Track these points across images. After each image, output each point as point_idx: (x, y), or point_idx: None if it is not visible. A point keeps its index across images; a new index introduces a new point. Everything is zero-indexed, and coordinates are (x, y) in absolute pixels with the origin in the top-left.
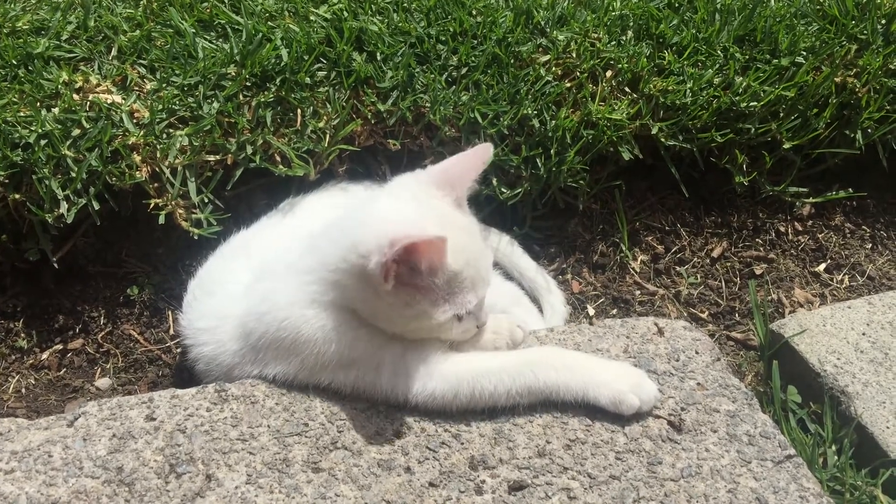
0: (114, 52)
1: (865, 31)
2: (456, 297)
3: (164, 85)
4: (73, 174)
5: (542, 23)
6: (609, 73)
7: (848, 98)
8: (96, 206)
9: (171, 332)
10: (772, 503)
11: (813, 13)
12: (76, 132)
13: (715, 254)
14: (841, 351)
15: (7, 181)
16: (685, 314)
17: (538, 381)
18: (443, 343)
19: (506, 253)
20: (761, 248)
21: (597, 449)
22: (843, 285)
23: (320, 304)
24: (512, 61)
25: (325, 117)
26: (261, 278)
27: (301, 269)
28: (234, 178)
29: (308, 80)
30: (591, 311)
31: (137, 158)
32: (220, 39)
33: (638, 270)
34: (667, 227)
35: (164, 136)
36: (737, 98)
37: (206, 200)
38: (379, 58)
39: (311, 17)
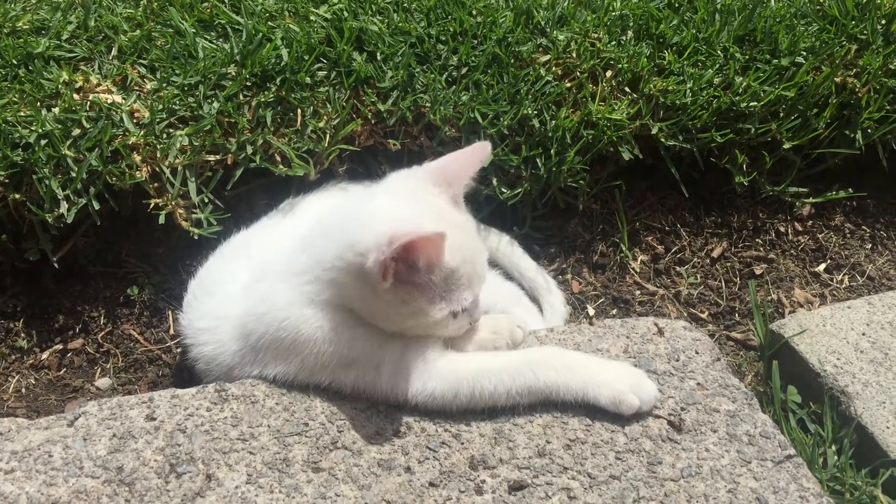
0: (114, 51)
1: (865, 32)
2: (452, 294)
3: (164, 85)
4: (74, 174)
5: (543, 23)
6: (609, 73)
7: (848, 98)
8: (96, 205)
9: (171, 331)
10: (772, 503)
11: (813, 13)
12: (76, 132)
13: (715, 254)
14: (841, 351)
15: (7, 181)
16: (685, 314)
17: (538, 380)
18: (442, 342)
19: (506, 253)
20: (761, 248)
21: (597, 449)
22: (843, 285)
23: (318, 303)
24: (512, 61)
25: (325, 117)
26: (260, 278)
27: (298, 268)
28: (235, 178)
29: (308, 79)
30: (591, 311)
31: (137, 158)
32: (221, 39)
33: (638, 270)
34: (667, 227)
35: (165, 135)
36: (737, 98)
37: (206, 200)
38: (379, 58)
39: (312, 17)
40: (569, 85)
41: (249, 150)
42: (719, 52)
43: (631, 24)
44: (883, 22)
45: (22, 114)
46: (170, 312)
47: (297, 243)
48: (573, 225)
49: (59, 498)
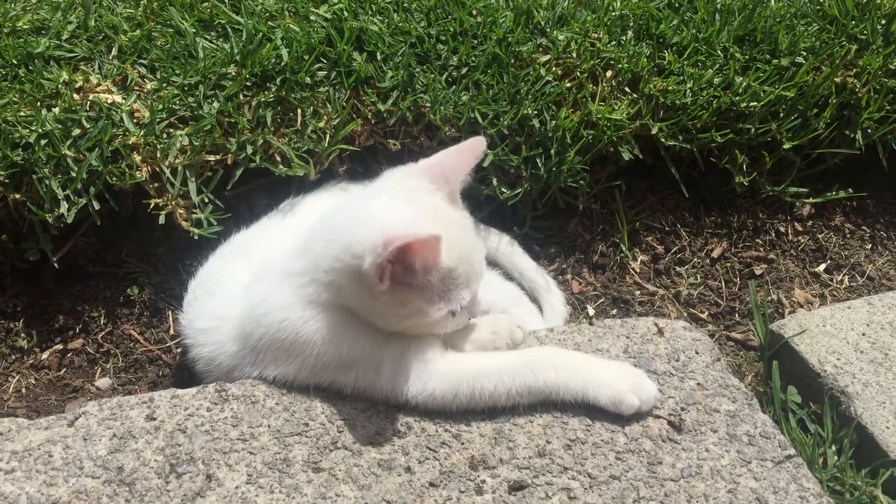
0: (114, 51)
1: (865, 32)
2: (450, 293)
3: (164, 85)
4: (74, 174)
5: (543, 23)
6: (609, 73)
7: (848, 98)
8: (96, 205)
9: (172, 331)
10: (772, 503)
11: (813, 13)
12: (76, 132)
13: (715, 254)
14: (841, 351)
15: (7, 181)
16: (685, 314)
17: (538, 380)
18: (441, 343)
19: (506, 253)
20: (761, 249)
21: (597, 449)
22: (843, 286)
23: (317, 304)
24: (512, 61)
25: (325, 117)
26: (260, 279)
27: (297, 269)
28: (235, 178)
29: (308, 79)
30: (591, 312)
31: (137, 158)
32: (221, 39)
33: (638, 271)
34: (667, 228)
35: (165, 135)
36: (737, 98)
37: (207, 200)
38: (379, 58)
39: (312, 17)
40: (569, 85)
41: (249, 150)
42: (719, 52)
43: (631, 24)
44: (883, 22)
45: (22, 114)
46: (170, 312)
47: (297, 243)
48: (573, 225)
49: (60, 498)
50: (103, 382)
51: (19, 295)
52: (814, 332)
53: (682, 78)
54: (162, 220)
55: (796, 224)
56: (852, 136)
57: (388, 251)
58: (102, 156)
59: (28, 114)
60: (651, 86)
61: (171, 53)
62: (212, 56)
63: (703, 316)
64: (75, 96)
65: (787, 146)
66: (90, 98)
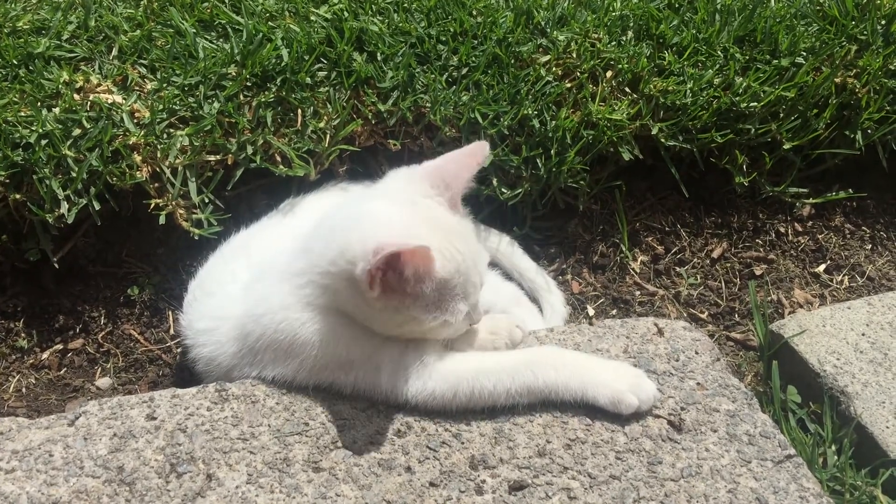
0: (114, 51)
1: (865, 32)
2: (446, 304)
3: (164, 85)
4: (74, 174)
5: (543, 23)
6: (609, 74)
7: (848, 98)
8: (97, 206)
9: (172, 331)
10: (772, 503)
11: (813, 14)
12: (77, 132)
13: (715, 254)
14: (840, 351)
15: (8, 181)
16: (685, 314)
17: (537, 380)
18: (441, 343)
19: (506, 253)
20: (761, 249)
21: (597, 448)
22: (843, 286)
23: (315, 307)
24: (512, 61)
25: (325, 117)
26: (259, 279)
27: (295, 270)
28: (235, 179)
29: (308, 80)
30: (591, 312)
31: (138, 158)
32: (221, 39)
33: (638, 271)
34: (667, 228)
35: (165, 136)
36: (737, 98)
37: (207, 200)
38: (379, 58)
39: (312, 17)
40: (569, 85)
41: (250, 150)
42: (719, 52)
43: (631, 24)
44: (883, 22)
45: (22, 114)
46: (170, 312)
47: (297, 243)
48: (573, 225)
49: (60, 497)
50: (103, 382)
51: (19, 295)
52: (814, 332)
53: (682, 78)
54: (162, 220)
55: (796, 224)
56: (852, 136)
57: (377, 259)
58: (103, 156)
59: (28, 114)
60: (651, 86)
61: (172, 53)
62: (212, 56)
63: (703, 316)
64: (76, 96)
65: (787, 146)
66: (90, 98)
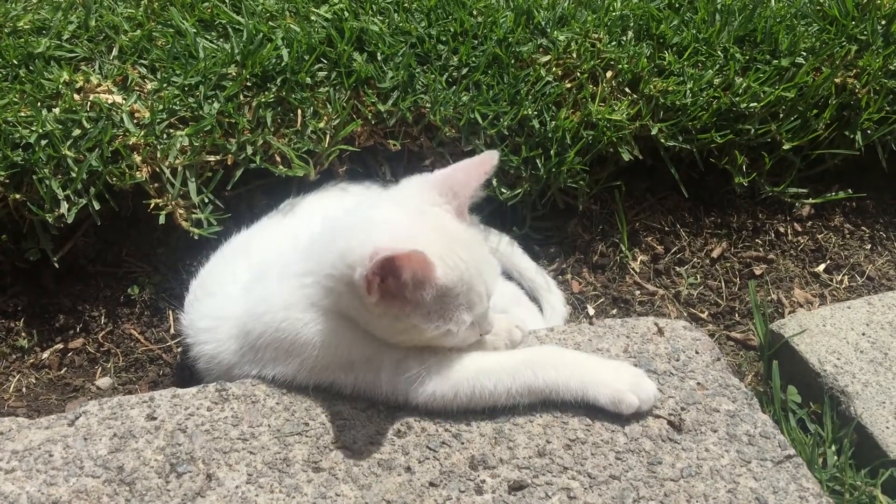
0: (115, 51)
1: (865, 32)
2: (449, 313)
3: (164, 85)
4: (74, 174)
5: (543, 23)
6: (609, 74)
7: (848, 99)
8: (97, 206)
9: (172, 331)
10: (771, 503)
11: (813, 14)
12: (77, 132)
13: (715, 254)
14: (841, 351)
15: (8, 181)
16: (685, 314)
17: (538, 380)
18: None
19: (506, 253)
20: (761, 249)
21: (597, 449)
22: (843, 286)
23: (318, 307)
24: (512, 62)
25: (325, 118)
26: (260, 278)
27: (299, 271)
28: (235, 179)
29: (308, 80)
30: (591, 311)
31: (138, 158)
32: (221, 39)
33: (638, 270)
34: (666, 228)
35: (165, 136)
36: (737, 99)
37: (207, 200)
38: (379, 58)
39: (312, 17)
40: (569, 85)
41: (249, 150)
42: (719, 52)
43: (631, 24)
44: (883, 22)
45: (22, 114)
46: (170, 312)
47: (302, 244)
48: (573, 225)
49: (60, 497)
50: (104, 382)
51: (20, 294)
52: (814, 332)
53: (682, 78)
54: (162, 220)
55: (796, 224)
56: (852, 136)
57: (373, 263)
58: (102, 156)
59: (28, 114)
60: (651, 86)
61: (172, 53)
62: (212, 56)
63: (703, 316)
64: (76, 96)
65: (786, 147)
66: (90, 98)
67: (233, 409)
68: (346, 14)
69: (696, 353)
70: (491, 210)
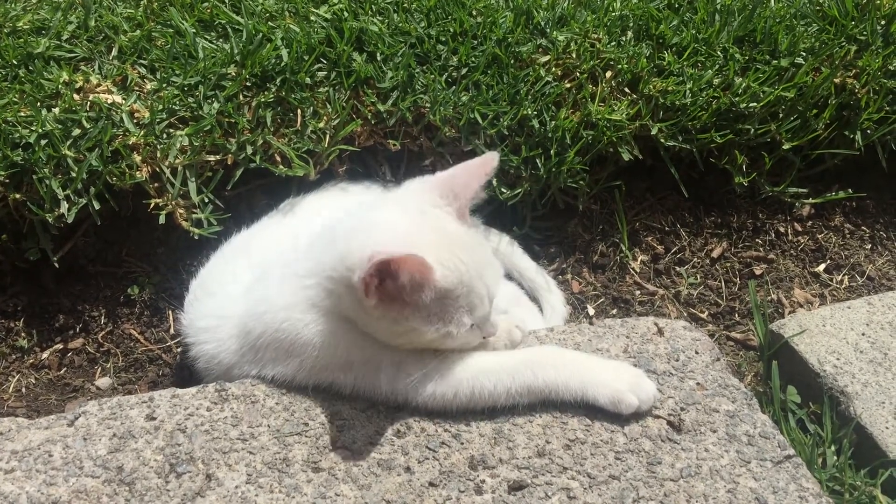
0: (114, 52)
1: (865, 32)
2: (449, 315)
3: (164, 85)
4: (74, 174)
5: (542, 23)
6: (609, 74)
7: (847, 99)
8: (97, 205)
9: (172, 331)
10: (771, 503)
11: (813, 14)
12: (76, 132)
13: (715, 254)
14: (840, 351)
15: (7, 181)
16: (685, 314)
17: (537, 380)
18: None
19: (506, 253)
20: (761, 249)
21: (596, 449)
22: (843, 286)
23: (319, 308)
24: (512, 62)
25: (325, 117)
26: (261, 278)
27: (301, 272)
28: (235, 178)
29: (308, 80)
30: (591, 311)
31: (138, 158)
32: (221, 39)
33: (638, 270)
34: (666, 228)
35: (165, 136)
36: (736, 99)
37: (207, 200)
38: (379, 58)
39: (312, 18)
40: (568, 85)
41: (249, 150)
42: (719, 52)
43: (631, 24)
44: (882, 23)
45: (22, 114)
46: (170, 312)
47: (304, 244)
48: (573, 225)
49: (60, 497)
50: (103, 382)
51: (19, 294)
52: (813, 332)
53: (681, 78)
54: (162, 220)
55: (796, 224)
56: (852, 136)
57: (369, 266)
58: (102, 156)
59: (28, 114)
60: (651, 86)
61: (171, 54)
62: (212, 56)
63: (703, 316)
64: (75, 96)
65: (786, 147)
66: (90, 98)
67: (232, 409)
68: (346, 14)
69: (696, 353)
70: (491, 210)
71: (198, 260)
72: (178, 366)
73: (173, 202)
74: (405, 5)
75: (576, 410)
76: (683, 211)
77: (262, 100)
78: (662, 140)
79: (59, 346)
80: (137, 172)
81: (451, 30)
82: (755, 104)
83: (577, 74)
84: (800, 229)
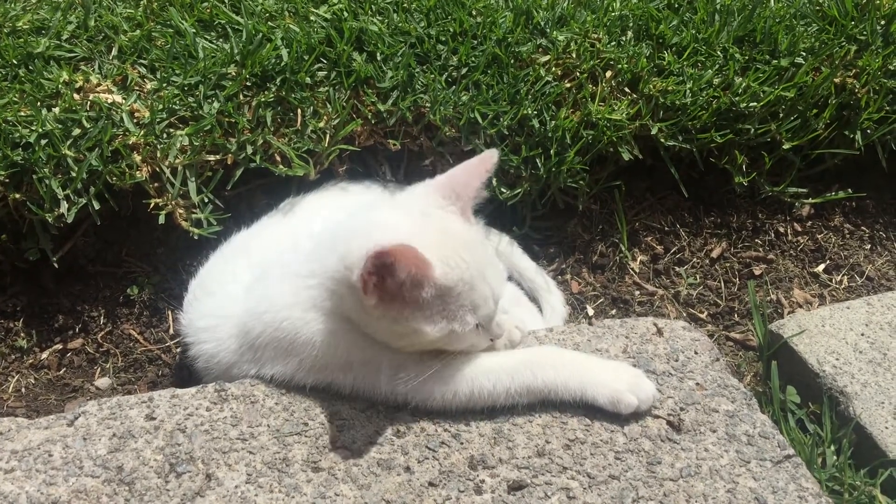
0: (114, 51)
1: (865, 32)
2: (451, 313)
3: (164, 85)
4: (74, 174)
5: (542, 23)
6: (609, 74)
7: (847, 99)
8: (96, 205)
9: (171, 331)
10: (771, 503)
11: (812, 14)
12: (76, 132)
13: (714, 254)
14: (840, 351)
15: (7, 181)
16: (684, 314)
17: (537, 380)
18: None
19: (505, 253)
20: (760, 249)
21: (596, 449)
22: (842, 286)
23: (320, 308)
24: (512, 61)
25: (325, 117)
26: (261, 278)
27: (302, 272)
28: (235, 178)
29: (308, 80)
30: (591, 312)
31: (138, 158)
32: (221, 39)
33: (637, 271)
34: (666, 228)
35: (165, 135)
36: (736, 98)
37: (206, 200)
38: (379, 58)
39: (312, 17)
40: (568, 85)
41: (249, 150)
42: (719, 52)
43: (631, 24)
44: (882, 23)
45: (22, 114)
46: (169, 312)
47: (303, 243)
48: (573, 225)
49: (59, 497)
50: (103, 382)
51: (19, 294)
52: (813, 333)
53: (681, 78)
54: (162, 219)
55: (796, 224)
56: (852, 136)
57: (367, 261)
58: (102, 156)
59: (28, 114)
60: (651, 86)
61: (171, 53)
62: (212, 56)
63: (703, 316)
64: (75, 96)
65: (786, 146)
66: (90, 98)
67: (232, 409)
68: (346, 14)
69: (696, 353)
70: (491, 210)
71: (197, 260)
72: (177, 366)
73: (173, 202)
74: (405, 5)
75: (575, 410)
76: (683, 211)
77: (262, 99)
78: (662, 140)
79: (59, 346)
80: (137, 172)
81: (451, 30)
82: (755, 104)
83: (577, 74)
84: (799, 229)
